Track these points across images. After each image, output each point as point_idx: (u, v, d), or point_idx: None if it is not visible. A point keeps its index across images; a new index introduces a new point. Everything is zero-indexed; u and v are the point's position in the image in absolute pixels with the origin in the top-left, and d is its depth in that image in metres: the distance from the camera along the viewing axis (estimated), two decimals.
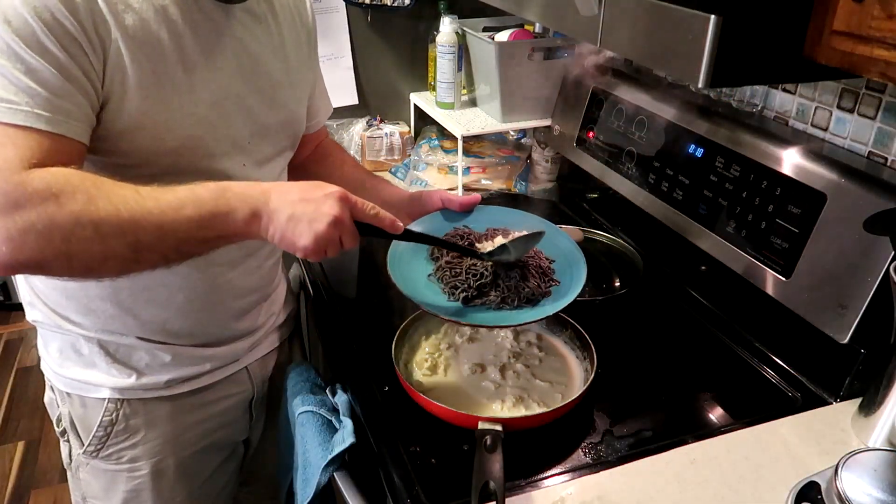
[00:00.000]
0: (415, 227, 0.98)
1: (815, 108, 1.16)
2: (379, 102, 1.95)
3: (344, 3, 1.80)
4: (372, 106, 1.95)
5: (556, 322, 1.13)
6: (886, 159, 1.05)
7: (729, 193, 1.15)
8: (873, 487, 0.75)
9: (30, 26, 0.72)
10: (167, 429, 1.07)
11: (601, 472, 0.88)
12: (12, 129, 0.72)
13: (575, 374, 1.05)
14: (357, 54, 1.87)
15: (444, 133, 1.89)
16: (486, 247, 0.97)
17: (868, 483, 0.75)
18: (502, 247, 0.94)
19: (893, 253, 0.90)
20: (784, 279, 1.04)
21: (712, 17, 0.73)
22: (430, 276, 0.96)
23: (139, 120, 0.82)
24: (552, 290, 0.95)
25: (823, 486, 0.79)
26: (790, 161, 1.07)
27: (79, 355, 1.02)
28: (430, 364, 1.06)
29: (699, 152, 1.23)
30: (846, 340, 0.95)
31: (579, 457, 0.91)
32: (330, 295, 1.30)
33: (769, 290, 1.07)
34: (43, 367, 1.08)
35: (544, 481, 0.87)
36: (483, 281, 0.93)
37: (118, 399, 1.03)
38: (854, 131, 1.09)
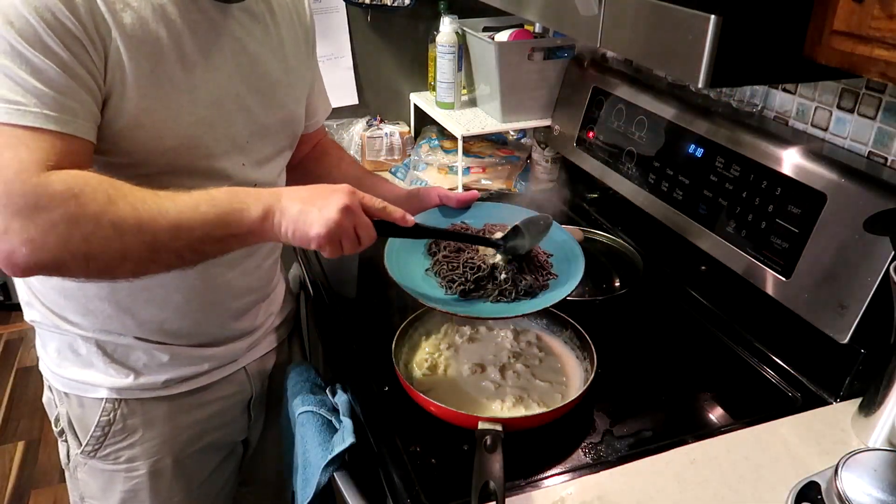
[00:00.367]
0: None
1: (815, 108, 1.16)
2: (379, 102, 1.95)
3: (344, 3, 1.80)
4: (372, 106, 1.95)
5: (555, 322, 1.13)
6: (886, 159, 1.05)
7: (729, 193, 1.15)
8: (873, 487, 0.75)
9: (32, 26, 0.73)
10: (165, 429, 1.07)
11: (601, 472, 0.88)
12: (21, 130, 0.72)
13: (575, 375, 1.05)
14: (357, 54, 1.87)
15: (444, 133, 1.89)
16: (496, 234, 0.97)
17: (868, 483, 0.75)
18: (515, 229, 0.94)
19: (893, 253, 0.90)
20: (784, 279, 1.04)
21: (712, 17, 0.73)
22: (427, 270, 0.97)
23: (139, 118, 0.82)
24: (550, 283, 0.95)
25: (823, 486, 0.79)
26: (790, 161, 1.07)
27: (77, 355, 1.02)
28: (430, 364, 1.06)
29: (699, 152, 1.23)
30: (846, 340, 0.95)
31: (579, 457, 0.91)
32: (330, 295, 1.29)
33: (769, 290, 1.07)
34: (41, 367, 1.08)
35: (544, 481, 0.87)
36: (480, 274, 0.93)
37: (116, 399, 1.03)
38: (854, 131, 1.09)
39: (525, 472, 0.88)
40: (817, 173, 1.02)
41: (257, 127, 0.97)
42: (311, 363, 1.21)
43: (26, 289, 1.02)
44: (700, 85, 0.77)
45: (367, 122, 1.91)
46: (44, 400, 1.12)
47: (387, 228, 0.85)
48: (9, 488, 2.23)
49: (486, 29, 1.76)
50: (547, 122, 1.71)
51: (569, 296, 0.91)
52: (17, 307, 1.14)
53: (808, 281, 1.01)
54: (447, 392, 1.00)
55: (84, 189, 0.71)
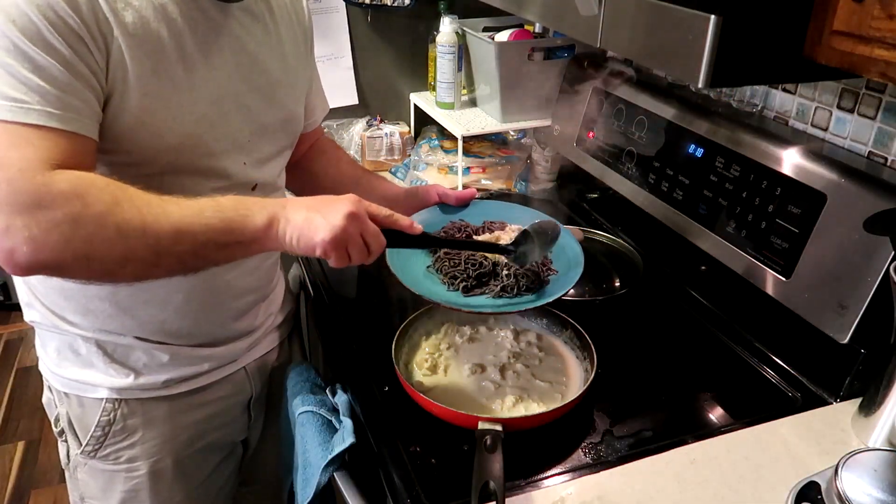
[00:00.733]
0: (414, 219, 0.98)
1: (815, 108, 1.16)
2: (379, 102, 1.95)
3: (344, 3, 1.80)
4: (372, 106, 1.95)
5: (556, 322, 1.13)
6: (886, 159, 1.05)
7: (729, 193, 1.15)
8: (873, 487, 0.75)
9: (34, 24, 0.72)
10: (165, 429, 1.07)
11: (601, 472, 0.88)
12: (25, 128, 0.72)
13: (575, 375, 1.05)
14: (357, 54, 1.87)
15: (444, 133, 1.89)
16: (503, 238, 0.97)
17: (868, 483, 0.75)
18: (524, 234, 0.93)
19: (893, 253, 0.90)
20: (784, 279, 1.04)
21: (712, 17, 0.73)
22: (428, 267, 0.97)
23: (140, 117, 0.83)
24: (550, 279, 0.96)
25: (823, 486, 0.79)
26: (790, 161, 1.07)
27: (76, 355, 1.02)
28: (430, 364, 1.06)
29: (699, 152, 1.23)
30: (846, 340, 0.95)
31: (579, 457, 0.91)
32: (330, 295, 1.29)
33: (769, 290, 1.07)
34: (41, 367, 1.08)
35: (544, 481, 0.87)
36: (482, 271, 0.93)
37: (116, 399, 1.03)
38: (854, 131, 1.09)
39: (525, 472, 0.88)
40: (817, 173, 1.02)
41: (257, 126, 0.97)
42: (311, 363, 1.21)
43: (26, 289, 1.02)
44: (700, 85, 0.77)
45: (367, 122, 1.91)
46: (44, 400, 1.12)
47: (394, 237, 0.84)
48: (9, 488, 2.24)
49: (486, 29, 1.76)
50: (547, 122, 1.71)
51: (570, 291, 0.92)
52: (17, 307, 1.14)
53: (808, 281, 1.01)
54: (447, 392, 1.00)
55: (89, 190, 0.71)
